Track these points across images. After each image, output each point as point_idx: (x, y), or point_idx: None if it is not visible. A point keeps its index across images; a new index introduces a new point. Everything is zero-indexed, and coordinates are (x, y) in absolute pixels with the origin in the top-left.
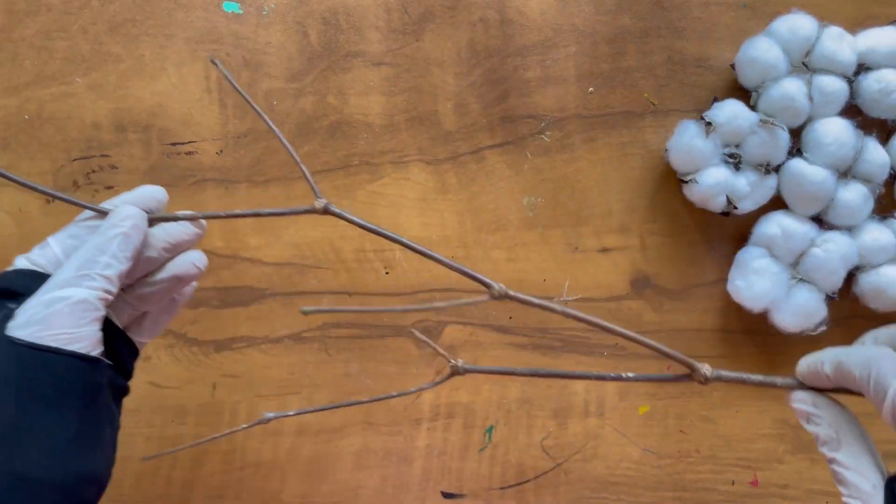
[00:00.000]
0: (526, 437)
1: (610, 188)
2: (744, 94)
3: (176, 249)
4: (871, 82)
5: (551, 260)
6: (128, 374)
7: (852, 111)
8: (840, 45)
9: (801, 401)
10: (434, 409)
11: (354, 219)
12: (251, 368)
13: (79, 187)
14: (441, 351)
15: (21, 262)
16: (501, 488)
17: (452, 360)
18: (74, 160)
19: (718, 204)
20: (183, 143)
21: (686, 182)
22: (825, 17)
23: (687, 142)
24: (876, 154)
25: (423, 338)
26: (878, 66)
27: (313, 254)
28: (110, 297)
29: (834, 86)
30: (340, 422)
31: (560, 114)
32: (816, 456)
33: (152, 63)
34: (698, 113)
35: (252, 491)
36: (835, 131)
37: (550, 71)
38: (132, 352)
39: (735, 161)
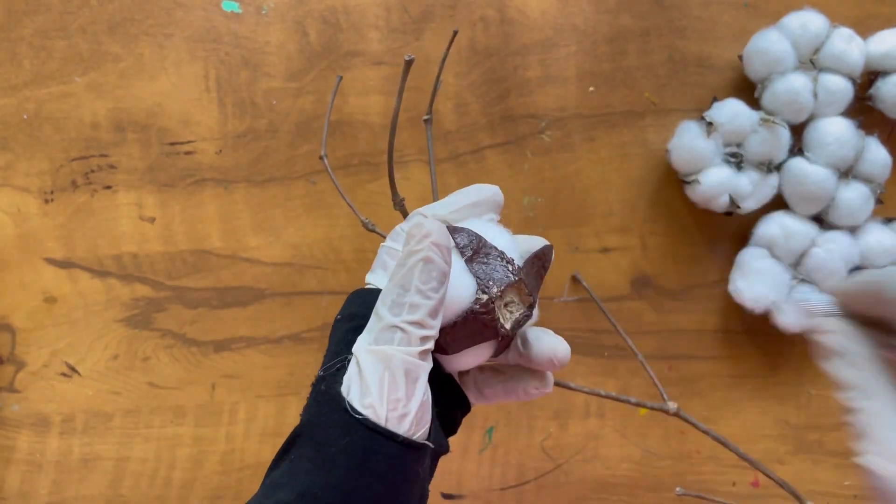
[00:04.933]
0: (526, 438)
1: (610, 188)
2: (745, 93)
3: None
4: (892, 86)
5: None
6: (452, 426)
7: (854, 112)
8: (849, 45)
9: (832, 331)
10: None
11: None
12: (250, 369)
13: (77, 187)
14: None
15: (378, 277)
16: (502, 489)
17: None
18: (73, 160)
19: (721, 204)
20: (182, 143)
21: (688, 182)
22: (827, 16)
23: (688, 142)
24: (877, 154)
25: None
26: (894, 69)
27: (312, 254)
28: (430, 345)
29: (839, 85)
30: None
31: (560, 113)
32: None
33: (151, 62)
34: (699, 112)
35: (252, 492)
36: (836, 131)
37: (551, 70)
38: (460, 402)
39: (737, 160)
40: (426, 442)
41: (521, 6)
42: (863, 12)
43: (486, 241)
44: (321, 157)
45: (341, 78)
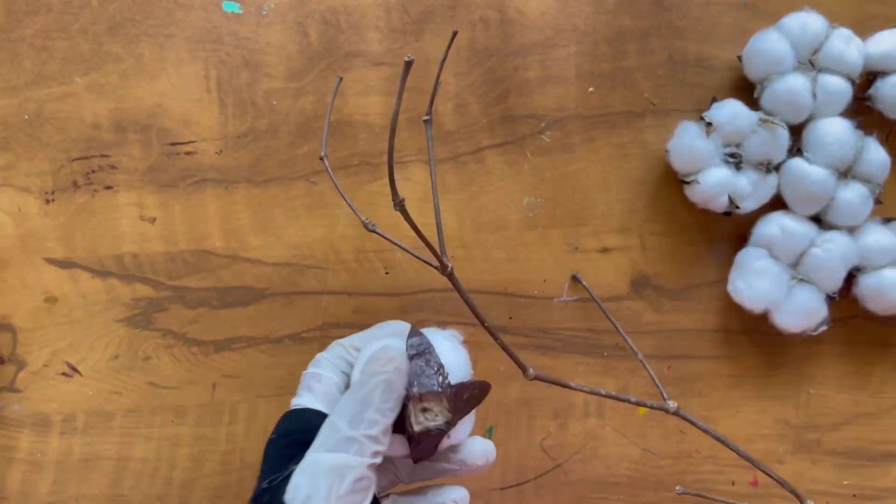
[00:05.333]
0: (526, 437)
1: (610, 188)
2: (744, 93)
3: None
4: (890, 87)
5: (551, 260)
6: None
7: (853, 112)
8: (848, 46)
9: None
10: None
11: (699, 424)
12: (251, 368)
13: (79, 187)
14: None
15: (306, 399)
16: (501, 489)
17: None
18: (74, 160)
19: (720, 204)
20: (183, 143)
21: (688, 183)
22: (826, 17)
23: (687, 142)
24: (876, 154)
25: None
26: (893, 70)
27: (313, 254)
28: (379, 459)
29: (838, 86)
30: None
31: (560, 114)
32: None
33: (152, 63)
34: (699, 113)
35: (252, 492)
36: (836, 131)
37: (550, 71)
38: None
39: (736, 161)
40: None
41: (520, 6)
42: (862, 13)
43: (434, 351)
44: (321, 158)
45: (341, 79)
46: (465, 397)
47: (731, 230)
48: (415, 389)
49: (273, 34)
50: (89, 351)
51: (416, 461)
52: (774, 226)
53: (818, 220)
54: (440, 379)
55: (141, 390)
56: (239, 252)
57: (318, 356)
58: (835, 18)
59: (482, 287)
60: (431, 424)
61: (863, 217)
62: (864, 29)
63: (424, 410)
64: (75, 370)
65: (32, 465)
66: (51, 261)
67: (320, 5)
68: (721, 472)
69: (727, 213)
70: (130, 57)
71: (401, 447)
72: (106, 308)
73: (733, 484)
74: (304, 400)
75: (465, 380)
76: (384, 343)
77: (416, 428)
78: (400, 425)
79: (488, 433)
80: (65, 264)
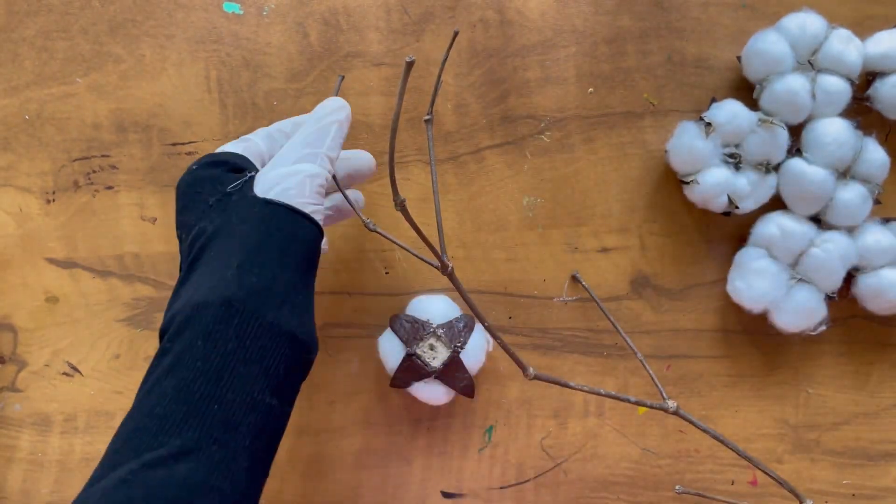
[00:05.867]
0: (526, 436)
1: (609, 188)
2: (743, 93)
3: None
4: (889, 87)
5: (551, 260)
6: None
7: (852, 112)
8: (847, 46)
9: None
10: (434, 409)
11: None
12: None
13: (79, 187)
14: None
15: (234, 148)
16: (501, 488)
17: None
18: (75, 160)
19: (720, 204)
20: (183, 144)
21: (687, 183)
22: (825, 17)
23: (687, 143)
24: (875, 154)
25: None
26: (892, 70)
27: None
28: (330, 178)
29: (837, 86)
30: (340, 421)
31: (560, 114)
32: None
33: (153, 63)
34: (698, 113)
35: None
36: (834, 131)
37: (550, 71)
38: None
39: (735, 161)
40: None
41: (520, 7)
42: (861, 13)
43: (411, 317)
44: None
45: (343, 77)
46: (461, 326)
47: (731, 230)
48: (413, 346)
49: (273, 35)
50: (90, 350)
51: (462, 392)
52: (773, 226)
53: (817, 220)
54: (428, 328)
55: None
56: None
57: (250, 135)
58: (834, 19)
59: (482, 287)
60: (443, 356)
61: (862, 217)
62: (863, 29)
63: (432, 348)
64: (76, 370)
65: (33, 464)
66: (52, 261)
67: (320, 6)
68: (720, 472)
69: (726, 213)
70: (131, 57)
71: (444, 395)
72: (107, 308)
73: (732, 483)
74: (228, 148)
75: (452, 318)
76: (335, 98)
77: (435, 363)
78: (410, 377)
79: (488, 432)
80: (66, 264)
